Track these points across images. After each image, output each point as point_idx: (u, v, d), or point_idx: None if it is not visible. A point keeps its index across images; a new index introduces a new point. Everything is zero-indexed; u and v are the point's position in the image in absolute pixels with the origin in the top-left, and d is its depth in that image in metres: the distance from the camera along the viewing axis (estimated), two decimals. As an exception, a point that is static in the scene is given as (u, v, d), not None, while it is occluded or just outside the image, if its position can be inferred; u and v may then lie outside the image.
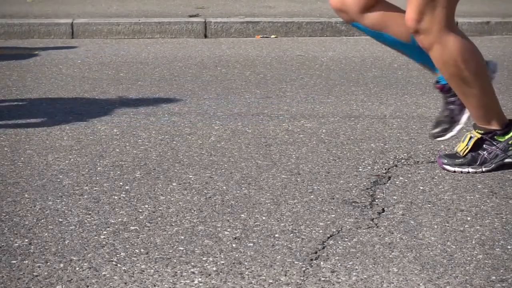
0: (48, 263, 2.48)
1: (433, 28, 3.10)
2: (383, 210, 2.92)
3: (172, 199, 3.04)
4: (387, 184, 3.20)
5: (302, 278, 2.39)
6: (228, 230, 2.74)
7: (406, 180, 3.25)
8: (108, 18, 7.32)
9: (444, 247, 2.61)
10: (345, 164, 3.45)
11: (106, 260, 2.50)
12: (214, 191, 3.12)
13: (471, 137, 3.33)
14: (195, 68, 5.64)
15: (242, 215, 2.87)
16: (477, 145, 3.32)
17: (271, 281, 2.37)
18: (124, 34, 7.12)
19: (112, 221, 2.82)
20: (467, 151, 3.32)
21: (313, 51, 6.33)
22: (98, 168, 3.38)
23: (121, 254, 2.55)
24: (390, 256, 2.54)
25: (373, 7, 3.27)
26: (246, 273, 2.43)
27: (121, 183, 3.20)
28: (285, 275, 2.41)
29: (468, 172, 3.31)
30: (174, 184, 3.20)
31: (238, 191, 3.12)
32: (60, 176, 3.29)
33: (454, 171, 3.32)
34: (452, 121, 3.41)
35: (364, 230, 2.74)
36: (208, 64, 5.77)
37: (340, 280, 2.38)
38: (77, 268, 2.45)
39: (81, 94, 4.81)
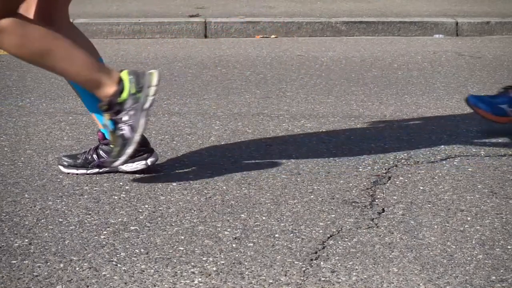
0: (48, 263, 2.48)
1: None
2: (383, 210, 2.92)
3: (172, 199, 3.04)
4: (387, 184, 3.20)
5: (302, 278, 2.39)
6: (228, 230, 2.74)
7: (406, 180, 3.25)
8: (108, 18, 7.32)
9: (444, 247, 2.61)
10: (345, 164, 3.45)
11: (106, 260, 2.50)
12: (214, 191, 3.12)
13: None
14: (195, 68, 5.64)
15: (242, 215, 2.87)
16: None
17: (271, 281, 2.37)
18: (124, 34, 7.12)
19: (112, 221, 2.82)
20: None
21: (313, 51, 6.33)
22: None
23: (121, 254, 2.55)
24: (390, 256, 2.54)
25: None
26: (246, 273, 2.43)
27: (121, 183, 3.20)
28: (285, 275, 2.41)
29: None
30: (174, 184, 3.20)
31: (238, 191, 3.12)
32: (60, 176, 3.28)
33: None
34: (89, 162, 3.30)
35: (364, 230, 2.74)
36: (208, 64, 5.77)
37: (340, 280, 2.38)
38: (77, 268, 2.45)
39: (81, 94, 4.80)
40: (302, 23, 7.20)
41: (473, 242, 2.65)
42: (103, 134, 3.32)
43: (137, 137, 3.12)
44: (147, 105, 3.13)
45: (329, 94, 4.82)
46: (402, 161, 3.50)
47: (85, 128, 4.03)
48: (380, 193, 3.11)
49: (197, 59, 5.97)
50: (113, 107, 3.12)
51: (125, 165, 3.24)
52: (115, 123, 3.13)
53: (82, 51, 3.13)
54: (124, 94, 3.12)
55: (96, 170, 3.29)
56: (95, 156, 3.30)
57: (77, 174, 3.29)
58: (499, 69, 5.57)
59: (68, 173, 3.29)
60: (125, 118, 3.12)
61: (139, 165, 3.27)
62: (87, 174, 3.29)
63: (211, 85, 5.05)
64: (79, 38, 3.31)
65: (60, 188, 3.15)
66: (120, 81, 3.12)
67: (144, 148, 3.28)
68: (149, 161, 3.28)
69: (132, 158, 3.21)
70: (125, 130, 3.12)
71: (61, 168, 3.31)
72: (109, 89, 3.11)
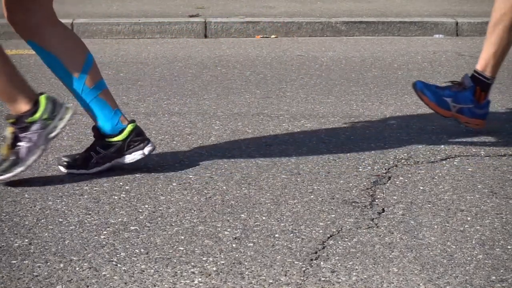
0: (48, 263, 2.48)
1: None
2: (383, 210, 2.92)
3: (172, 199, 3.04)
4: (387, 184, 3.20)
5: (302, 278, 2.39)
6: (228, 230, 2.74)
7: (406, 180, 3.25)
8: (108, 18, 7.32)
9: (444, 247, 2.61)
10: (345, 164, 3.45)
11: (106, 260, 2.50)
12: (214, 191, 3.12)
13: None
14: (195, 68, 5.64)
15: (242, 215, 2.87)
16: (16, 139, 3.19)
17: (271, 281, 2.37)
18: (124, 34, 7.12)
19: (112, 221, 2.82)
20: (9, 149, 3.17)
21: (313, 51, 6.33)
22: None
23: (121, 254, 2.55)
24: (390, 256, 2.54)
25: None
26: (246, 273, 2.43)
27: (121, 183, 3.20)
28: (285, 275, 2.41)
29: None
30: (174, 184, 3.20)
31: (238, 191, 3.12)
32: (60, 176, 3.28)
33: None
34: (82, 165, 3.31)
35: (364, 230, 2.74)
36: (208, 64, 5.77)
37: (340, 280, 2.38)
38: (77, 268, 2.45)
39: (81, 94, 4.80)
40: (302, 23, 7.20)
41: (473, 242, 2.65)
42: (98, 130, 3.32)
43: (30, 162, 3.16)
44: (53, 134, 3.20)
45: (329, 94, 4.81)
46: (402, 161, 3.50)
47: (85, 128, 4.03)
48: (380, 193, 3.11)
49: (197, 59, 5.97)
50: (20, 123, 3.16)
51: (123, 157, 3.26)
52: (16, 138, 3.17)
53: (8, 64, 3.18)
54: (36, 116, 3.17)
55: (96, 168, 3.29)
56: (93, 153, 3.30)
57: (77, 174, 3.29)
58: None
59: (68, 173, 3.29)
60: (27, 138, 3.16)
61: (136, 155, 3.28)
62: (88, 173, 3.29)
63: (211, 85, 5.05)
64: (64, 33, 3.28)
65: (60, 188, 3.15)
66: (36, 103, 3.18)
67: (139, 138, 3.29)
68: (146, 150, 3.29)
69: (128, 149, 3.24)
70: (23, 149, 3.16)
71: (61, 168, 3.31)
72: (23, 107, 3.17)
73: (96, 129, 3.33)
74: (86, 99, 3.27)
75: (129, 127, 3.30)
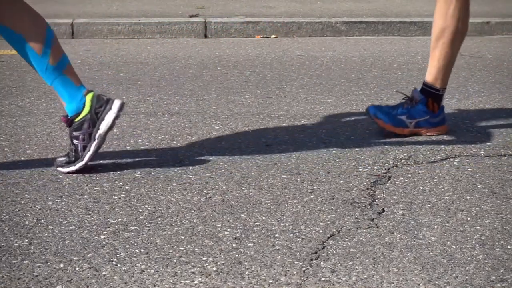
0: (48, 263, 2.48)
1: None
2: (383, 210, 2.92)
3: (172, 199, 3.04)
4: (387, 184, 3.21)
5: (302, 278, 2.39)
6: (228, 230, 2.74)
7: (406, 180, 3.25)
8: (108, 18, 7.32)
9: (444, 247, 2.61)
10: (345, 164, 3.45)
11: (106, 260, 2.50)
12: (214, 191, 3.12)
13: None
14: (195, 68, 5.64)
15: (242, 215, 2.87)
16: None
17: (271, 281, 2.37)
18: (124, 34, 7.12)
19: (112, 221, 2.82)
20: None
21: (313, 51, 6.33)
22: (98, 168, 3.38)
23: (121, 254, 2.55)
24: (390, 256, 2.54)
25: None
26: (246, 273, 2.43)
27: (121, 183, 3.20)
28: (285, 275, 2.41)
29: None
30: (174, 184, 3.20)
31: (238, 191, 3.12)
32: (60, 176, 3.28)
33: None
34: (76, 156, 3.30)
35: (364, 230, 2.74)
36: (208, 64, 5.77)
37: (340, 280, 2.38)
38: (77, 268, 2.45)
39: (81, 94, 4.80)
40: (302, 23, 7.20)
41: (473, 242, 2.65)
42: (66, 117, 3.32)
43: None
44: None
45: (329, 94, 4.81)
46: (402, 161, 3.50)
47: (85, 128, 4.03)
48: (380, 193, 3.11)
49: (197, 59, 5.97)
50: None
51: (99, 128, 3.28)
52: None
53: None
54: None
55: (88, 153, 3.29)
56: (75, 142, 3.30)
57: (76, 170, 3.28)
58: (499, 69, 5.57)
59: (69, 173, 3.29)
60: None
61: (109, 118, 3.28)
62: (86, 164, 3.28)
63: (211, 85, 5.05)
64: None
65: (60, 188, 3.16)
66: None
67: (102, 102, 3.28)
68: (114, 107, 3.28)
69: (98, 117, 3.26)
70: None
71: (61, 169, 3.31)
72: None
73: (65, 118, 3.32)
74: (51, 77, 3.25)
75: (88, 98, 3.28)
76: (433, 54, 3.82)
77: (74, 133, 3.30)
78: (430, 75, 3.83)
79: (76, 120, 3.29)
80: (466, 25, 3.83)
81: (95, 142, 3.28)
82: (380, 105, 3.92)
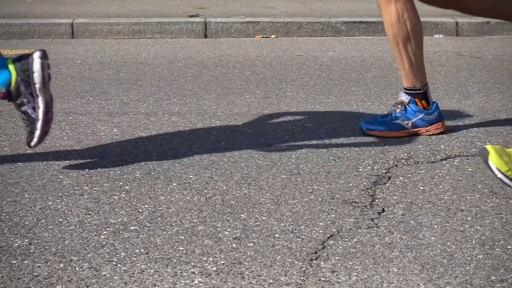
0: (48, 263, 2.48)
1: None
2: (383, 210, 2.92)
3: (172, 199, 3.04)
4: (387, 184, 3.21)
5: (302, 278, 2.39)
6: (228, 230, 2.74)
7: (406, 180, 3.25)
8: (108, 18, 7.32)
9: (444, 247, 2.61)
10: (345, 164, 3.45)
11: (106, 260, 2.50)
12: (214, 191, 3.12)
13: None
14: (195, 68, 5.64)
15: (242, 215, 2.87)
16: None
17: (271, 281, 2.37)
18: (124, 34, 7.12)
19: (112, 221, 2.82)
20: None
21: (313, 51, 6.33)
22: (98, 168, 3.38)
23: (121, 254, 2.55)
24: (390, 256, 2.54)
25: None
26: (246, 273, 2.43)
27: (121, 183, 3.20)
28: (285, 275, 2.41)
29: None
30: (174, 184, 3.20)
31: (238, 191, 3.12)
32: (60, 176, 3.29)
33: None
34: (31, 120, 3.27)
35: (364, 230, 2.74)
36: (208, 64, 5.77)
37: (340, 280, 2.38)
38: (77, 268, 2.45)
39: (81, 94, 4.81)
40: (302, 23, 7.20)
41: (473, 242, 2.65)
42: (3, 93, 3.30)
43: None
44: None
45: (329, 94, 4.81)
46: (402, 161, 3.50)
47: (85, 128, 4.03)
48: (380, 193, 3.11)
49: (197, 59, 5.97)
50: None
51: (34, 82, 3.25)
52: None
53: None
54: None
55: (40, 113, 3.25)
56: (23, 108, 3.28)
57: (40, 131, 3.25)
58: (499, 69, 5.57)
59: (39, 141, 3.27)
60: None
61: (36, 68, 3.24)
62: (45, 121, 3.24)
63: (211, 85, 5.05)
64: None
65: (60, 188, 3.16)
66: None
67: (23, 60, 3.25)
68: (36, 56, 3.24)
69: (27, 75, 3.24)
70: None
71: (32, 144, 3.28)
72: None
73: (2, 94, 3.29)
74: None
75: (9, 64, 3.26)
76: (398, 60, 3.90)
77: (17, 101, 3.27)
78: (406, 80, 3.90)
79: (12, 88, 3.27)
80: (415, 21, 3.93)
81: (39, 98, 3.25)
82: (370, 119, 3.95)
